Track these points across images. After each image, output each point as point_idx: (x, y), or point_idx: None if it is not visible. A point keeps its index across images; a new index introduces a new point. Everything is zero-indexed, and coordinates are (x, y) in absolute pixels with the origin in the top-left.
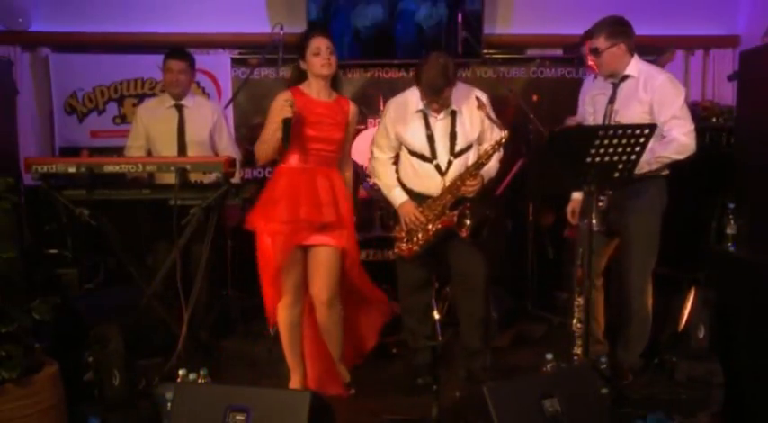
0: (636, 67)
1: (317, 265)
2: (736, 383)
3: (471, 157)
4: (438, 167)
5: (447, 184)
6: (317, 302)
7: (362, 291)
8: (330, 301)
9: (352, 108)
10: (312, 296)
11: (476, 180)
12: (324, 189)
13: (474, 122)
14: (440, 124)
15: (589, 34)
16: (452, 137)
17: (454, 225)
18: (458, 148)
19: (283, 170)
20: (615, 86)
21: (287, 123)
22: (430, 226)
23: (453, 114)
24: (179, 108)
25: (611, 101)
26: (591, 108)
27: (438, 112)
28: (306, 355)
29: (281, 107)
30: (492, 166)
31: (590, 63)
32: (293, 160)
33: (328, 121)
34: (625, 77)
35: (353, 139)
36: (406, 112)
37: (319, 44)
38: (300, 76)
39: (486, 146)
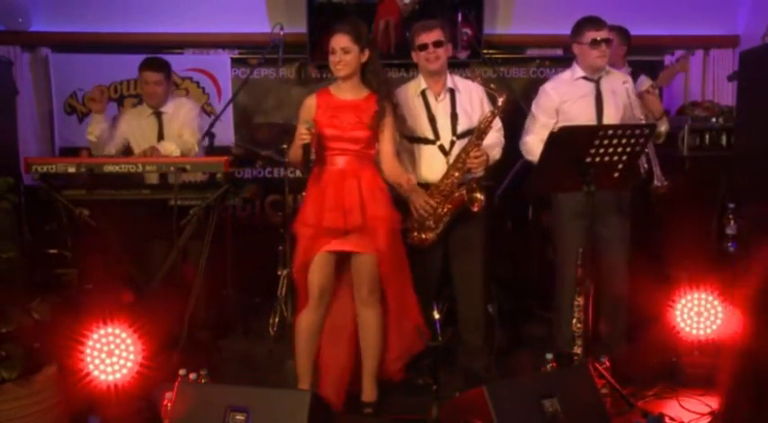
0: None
1: (356, 269)
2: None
3: None
4: (442, 148)
5: (451, 161)
6: (357, 303)
7: (398, 305)
8: (367, 300)
9: (381, 104)
10: (355, 299)
11: (480, 151)
12: (350, 192)
13: (474, 105)
14: (441, 105)
15: (603, 23)
16: (454, 117)
17: (466, 202)
18: (460, 128)
19: (315, 173)
20: (597, 83)
21: (306, 149)
22: (440, 209)
23: (453, 96)
24: (158, 115)
25: (599, 98)
26: (559, 116)
27: (438, 88)
28: (321, 364)
29: (302, 131)
30: (493, 145)
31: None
32: (322, 162)
33: (350, 120)
34: (604, 73)
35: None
36: (406, 99)
37: (332, 43)
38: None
39: (487, 112)
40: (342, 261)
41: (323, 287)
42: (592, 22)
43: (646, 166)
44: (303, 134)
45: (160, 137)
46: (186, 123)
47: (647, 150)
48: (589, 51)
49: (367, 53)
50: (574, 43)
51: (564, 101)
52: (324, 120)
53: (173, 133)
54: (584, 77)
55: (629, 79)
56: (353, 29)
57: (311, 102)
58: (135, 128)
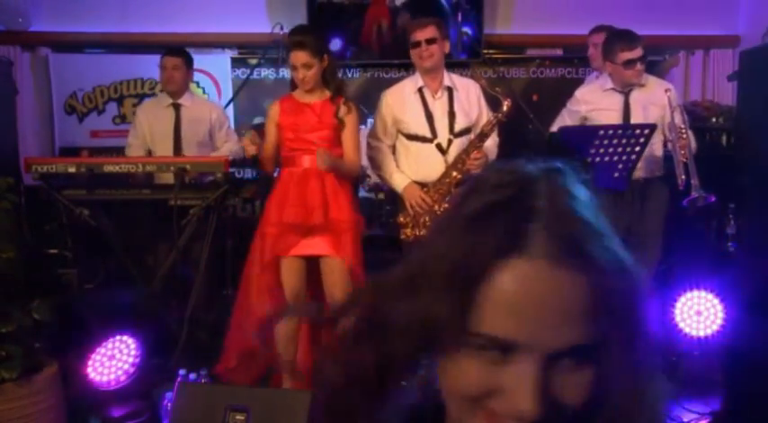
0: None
1: (326, 276)
2: (736, 383)
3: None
4: (439, 146)
5: (450, 161)
6: None
7: None
8: None
9: (341, 108)
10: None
11: (480, 153)
12: (313, 191)
13: (472, 103)
14: (438, 103)
15: (639, 40)
16: (451, 115)
17: None
18: (457, 127)
19: (280, 174)
20: (627, 95)
21: (256, 160)
22: (436, 207)
23: (451, 94)
24: (176, 107)
25: (627, 111)
26: (587, 122)
27: (435, 86)
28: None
29: (246, 143)
30: (491, 147)
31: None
32: (287, 164)
33: (311, 120)
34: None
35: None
36: (403, 96)
37: (292, 60)
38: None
39: (490, 116)
40: (312, 269)
41: (297, 291)
42: (624, 40)
43: (683, 177)
44: (248, 147)
45: (177, 129)
46: (223, 133)
47: (685, 161)
48: (623, 71)
49: (326, 59)
50: (607, 61)
51: (591, 109)
52: (287, 122)
53: (191, 128)
54: (614, 89)
55: (672, 88)
56: (309, 42)
57: (275, 108)
58: (152, 119)
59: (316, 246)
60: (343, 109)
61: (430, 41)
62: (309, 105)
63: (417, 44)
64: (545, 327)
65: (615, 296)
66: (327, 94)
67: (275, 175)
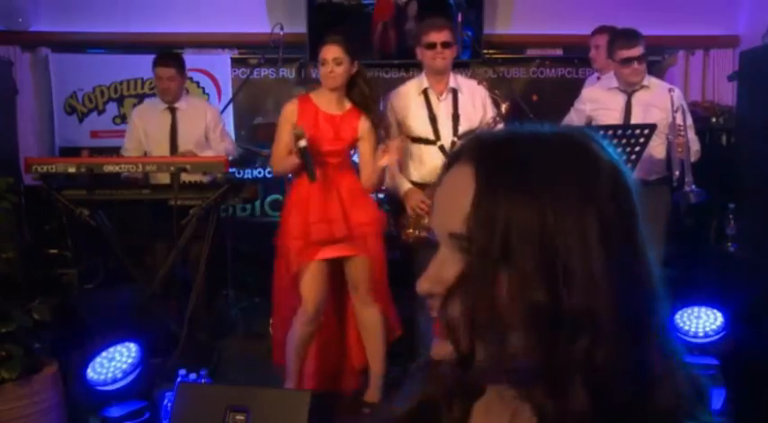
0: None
1: (350, 272)
2: (736, 382)
3: None
4: (442, 148)
5: None
6: (356, 304)
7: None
8: (366, 298)
9: (362, 123)
10: (353, 301)
11: None
12: (332, 203)
13: (476, 106)
14: (443, 105)
15: (639, 40)
16: (455, 118)
17: None
18: (461, 129)
19: (294, 184)
20: (630, 96)
21: (304, 153)
22: None
23: (455, 97)
24: (172, 110)
25: (628, 111)
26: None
27: (441, 88)
28: (312, 358)
29: (291, 135)
30: None
31: (630, 69)
32: (300, 173)
33: (328, 134)
34: (639, 87)
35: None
36: (407, 98)
37: (325, 54)
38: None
39: (488, 118)
40: (332, 270)
41: (318, 302)
42: (624, 38)
43: (677, 173)
44: (299, 139)
45: (173, 131)
46: (218, 134)
47: (681, 158)
48: (621, 69)
49: (356, 65)
50: (609, 59)
51: (595, 109)
52: (304, 129)
53: (187, 131)
54: (618, 88)
55: (676, 88)
56: (343, 41)
57: (293, 107)
58: (147, 122)
59: (341, 248)
60: (362, 127)
61: (446, 45)
62: (329, 118)
63: (432, 46)
64: (440, 213)
65: (512, 210)
66: (347, 106)
67: (289, 177)
